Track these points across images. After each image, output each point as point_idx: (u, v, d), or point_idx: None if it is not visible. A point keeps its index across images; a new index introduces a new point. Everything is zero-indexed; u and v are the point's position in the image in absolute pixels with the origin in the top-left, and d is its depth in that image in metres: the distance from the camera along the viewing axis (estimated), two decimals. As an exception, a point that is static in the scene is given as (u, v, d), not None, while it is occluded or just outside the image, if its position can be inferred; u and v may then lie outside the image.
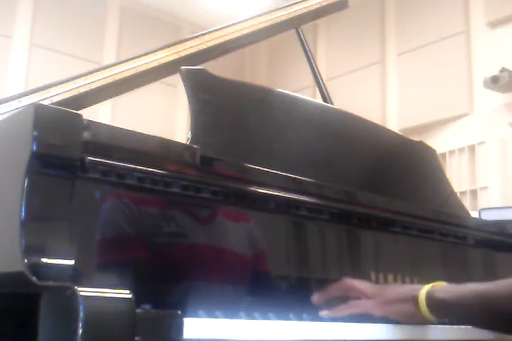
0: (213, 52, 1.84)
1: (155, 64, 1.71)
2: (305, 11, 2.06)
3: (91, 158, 0.88)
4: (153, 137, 0.99)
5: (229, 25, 1.86)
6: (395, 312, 1.08)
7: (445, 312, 1.08)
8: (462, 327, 1.24)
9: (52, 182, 0.84)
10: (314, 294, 1.09)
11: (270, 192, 1.11)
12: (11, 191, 0.85)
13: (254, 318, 0.93)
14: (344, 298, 1.10)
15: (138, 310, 0.79)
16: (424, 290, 1.07)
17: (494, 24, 4.67)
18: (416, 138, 1.88)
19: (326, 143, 1.47)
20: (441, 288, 1.09)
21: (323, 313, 1.06)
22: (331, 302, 1.10)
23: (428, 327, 1.18)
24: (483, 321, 1.09)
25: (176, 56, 1.73)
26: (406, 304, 1.07)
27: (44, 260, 0.80)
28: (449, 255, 1.47)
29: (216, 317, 0.89)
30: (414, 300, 1.07)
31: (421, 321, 1.10)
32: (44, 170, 0.84)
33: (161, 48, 1.74)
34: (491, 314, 1.05)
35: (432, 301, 1.06)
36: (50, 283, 0.78)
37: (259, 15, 1.93)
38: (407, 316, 1.08)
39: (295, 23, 2.05)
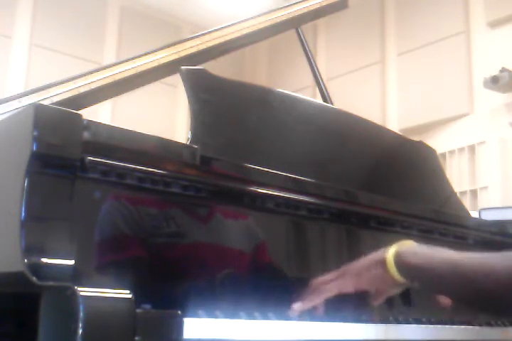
0: (213, 52, 1.84)
1: (155, 64, 1.71)
2: (305, 11, 2.06)
3: (91, 158, 0.88)
4: (153, 137, 0.99)
5: (229, 25, 1.86)
6: (366, 281, 1.02)
7: (414, 275, 1.01)
8: (462, 327, 1.24)
9: (52, 182, 0.84)
10: (292, 307, 1.02)
11: (270, 192, 1.11)
12: (11, 191, 0.85)
13: (254, 318, 0.93)
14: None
15: (138, 310, 0.79)
16: (391, 251, 1.01)
17: (494, 24, 4.67)
18: (416, 138, 1.88)
19: (325, 143, 1.47)
20: (410, 249, 1.02)
21: (296, 308, 1.00)
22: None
23: (428, 327, 1.18)
24: (455, 292, 1.01)
25: (175, 56, 1.73)
26: (375, 268, 1.01)
27: (44, 260, 0.80)
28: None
29: (216, 317, 0.89)
30: (383, 262, 1.01)
31: (393, 285, 1.03)
32: (44, 170, 0.84)
33: (161, 48, 1.74)
34: (464, 286, 0.97)
35: (400, 263, 0.99)
36: (50, 283, 0.78)
37: (259, 15, 1.93)
38: (379, 281, 1.01)
39: (295, 23, 2.05)
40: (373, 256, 1.04)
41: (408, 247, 1.02)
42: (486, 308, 1.03)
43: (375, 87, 5.42)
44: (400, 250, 1.01)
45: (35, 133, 0.83)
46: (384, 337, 1.08)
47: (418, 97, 5.00)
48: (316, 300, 1.02)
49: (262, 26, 1.92)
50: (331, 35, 5.93)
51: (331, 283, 1.03)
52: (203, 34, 1.81)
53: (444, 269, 0.98)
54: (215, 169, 1.06)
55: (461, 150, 4.62)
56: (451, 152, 4.65)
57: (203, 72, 1.32)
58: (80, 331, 0.73)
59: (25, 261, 0.78)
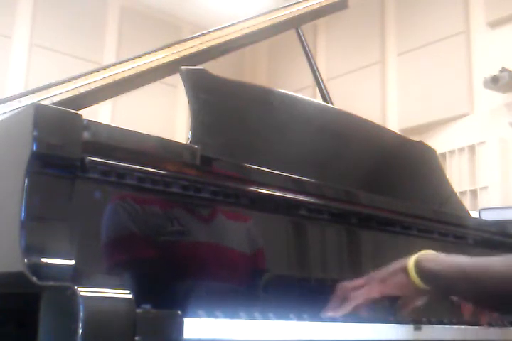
0: (213, 52, 1.84)
1: (155, 64, 1.71)
2: (305, 11, 2.06)
3: (91, 158, 0.88)
4: (153, 137, 0.99)
5: (229, 25, 1.86)
6: (390, 287, 1.10)
7: (433, 281, 1.09)
8: (462, 327, 1.24)
9: (52, 182, 0.84)
10: (320, 310, 1.09)
11: (270, 192, 1.11)
12: (11, 191, 0.85)
13: (254, 318, 0.93)
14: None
15: (138, 310, 0.79)
16: (412, 259, 1.10)
17: (494, 24, 4.67)
18: (416, 138, 1.88)
19: (325, 143, 1.47)
20: (429, 257, 1.11)
21: (329, 314, 1.07)
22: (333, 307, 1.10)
23: (428, 327, 1.18)
24: (469, 297, 1.12)
25: (176, 56, 1.73)
26: (398, 275, 1.09)
27: (44, 260, 0.80)
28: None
29: (216, 317, 0.89)
30: (405, 270, 1.09)
31: (416, 291, 1.10)
32: (44, 170, 0.84)
33: (161, 48, 1.74)
34: (472, 289, 1.07)
35: (420, 270, 1.08)
36: (50, 283, 0.78)
37: (259, 15, 1.93)
38: (402, 287, 1.09)
39: (295, 23, 2.05)
40: (396, 264, 1.12)
41: (428, 255, 1.11)
42: (500, 309, 1.14)
43: (375, 87, 5.42)
44: (420, 258, 1.09)
45: (35, 133, 0.83)
46: (384, 337, 1.08)
47: (418, 97, 5.00)
48: (346, 307, 1.08)
49: (262, 26, 1.92)
50: (331, 35, 5.93)
51: (358, 291, 1.10)
52: (203, 34, 1.81)
53: (458, 274, 1.07)
54: (215, 169, 1.06)
55: (461, 150, 4.62)
56: (451, 152, 4.65)
57: (203, 72, 1.32)
58: (80, 331, 0.73)
59: (25, 261, 0.78)
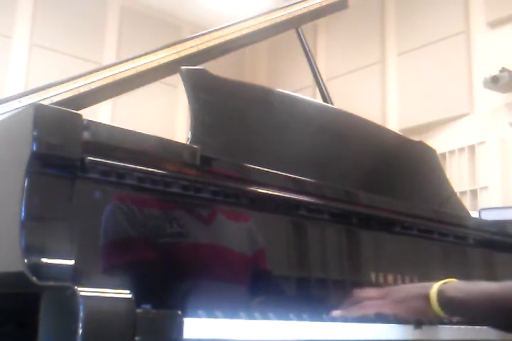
0: (213, 52, 1.84)
1: (155, 64, 1.71)
2: (305, 11, 2.06)
3: (91, 158, 0.88)
4: (153, 137, 0.99)
5: (229, 25, 1.86)
6: (407, 310, 1.10)
7: (456, 310, 1.10)
8: (462, 327, 1.24)
9: (52, 182, 0.84)
10: (329, 309, 1.10)
11: (270, 192, 1.11)
12: (11, 191, 0.85)
13: (254, 318, 0.93)
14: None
15: (138, 310, 0.79)
16: (435, 287, 1.09)
17: (494, 24, 4.67)
18: (416, 138, 1.88)
19: (325, 143, 1.47)
20: (452, 285, 1.10)
21: (336, 314, 1.07)
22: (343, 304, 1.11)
23: (428, 327, 1.17)
24: (494, 321, 1.11)
25: (176, 56, 1.73)
26: (418, 301, 1.10)
27: (44, 260, 0.80)
28: (449, 255, 1.47)
29: (216, 317, 0.89)
30: (426, 297, 1.09)
31: (433, 317, 1.11)
32: (44, 170, 0.84)
33: (161, 48, 1.74)
34: (502, 315, 1.07)
35: (443, 299, 1.07)
36: (50, 283, 0.78)
37: (259, 15, 1.93)
38: (419, 313, 1.10)
39: (295, 23, 2.05)
40: (417, 289, 1.12)
41: (450, 283, 1.11)
42: None
43: (375, 87, 5.42)
44: (442, 287, 1.09)
45: (35, 133, 0.83)
46: (384, 337, 1.08)
47: (418, 97, 5.00)
48: (353, 311, 1.09)
49: (262, 26, 1.92)
50: (331, 35, 5.93)
51: (372, 302, 1.11)
52: (203, 34, 1.81)
53: (485, 300, 1.08)
54: (215, 169, 1.06)
55: (461, 150, 4.62)
56: (451, 152, 4.65)
57: (203, 72, 1.32)
58: (80, 331, 0.73)
59: (25, 261, 0.78)
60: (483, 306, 1.07)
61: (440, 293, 1.08)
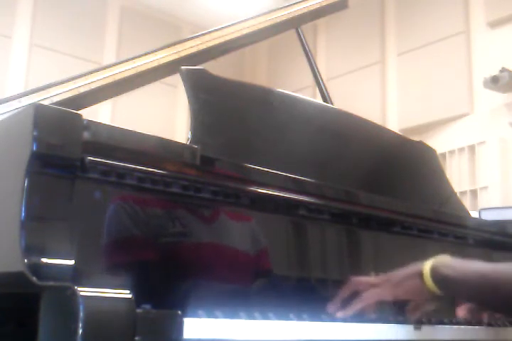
0: (213, 52, 1.84)
1: (155, 64, 1.71)
2: (305, 11, 2.06)
3: (91, 158, 0.88)
4: (153, 137, 0.99)
5: (229, 25, 1.86)
6: (404, 291, 1.10)
7: (449, 287, 1.09)
8: (462, 327, 1.24)
9: (52, 182, 0.84)
10: (328, 301, 1.10)
11: (270, 192, 1.11)
12: (11, 191, 0.85)
13: (254, 318, 0.93)
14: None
15: (138, 310, 0.79)
16: (428, 264, 1.09)
17: (494, 24, 4.67)
18: (416, 138, 1.88)
19: (325, 143, 1.47)
20: (445, 263, 1.10)
21: (338, 314, 1.07)
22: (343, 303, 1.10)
23: (428, 327, 1.18)
24: (485, 301, 1.12)
25: (176, 56, 1.73)
26: (413, 280, 1.10)
27: (44, 260, 0.80)
28: (449, 255, 1.47)
29: (216, 317, 0.89)
30: (420, 274, 1.09)
31: (429, 296, 1.10)
32: (44, 170, 0.84)
33: (161, 48, 1.74)
34: (492, 295, 1.07)
35: (437, 275, 1.08)
36: (50, 283, 0.78)
37: (259, 15, 1.93)
38: (417, 292, 1.10)
39: (295, 23, 2.05)
40: (411, 268, 1.12)
41: (444, 260, 1.11)
42: None
43: (375, 87, 5.42)
44: (436, 264, 1.09)
45: (35, 133, 0.83)
46: (384, 337, 1.08)
47: (418, 97, 5.00)
48: (355, 306, 1.08)
49: (262, 26, 1.92)
50: (331, 35, 5.93)
51: (370, 291, 1.10)
52: (203, 34, 1.81)
53: (476, 279, 1.08)
54: (215, 169, 1.06)
55: (461, 150, 4.62)
56: (451, 152, 4.65)
57: (203, 72, 1.32)
58: (80, 331, 0.73)
59: (25, 261, 0.78)
60: (475, 285, 1.07)
61: (433, 270, 1.08)
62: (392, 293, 1.10)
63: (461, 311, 1.26)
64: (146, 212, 0.95)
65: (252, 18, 1.92)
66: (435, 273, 1.08)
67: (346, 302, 1.09)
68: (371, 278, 1.14)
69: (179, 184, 0.98)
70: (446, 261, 1.11)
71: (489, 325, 1.30)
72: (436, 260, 1.11)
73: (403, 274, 1.12)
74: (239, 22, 1.88)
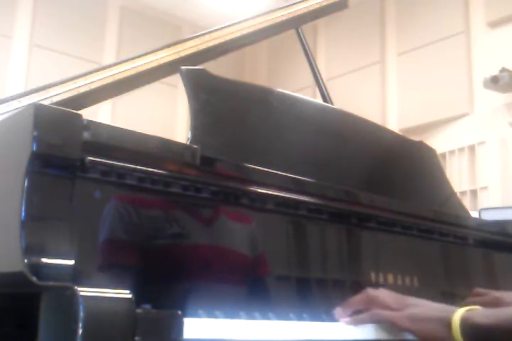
0: (213, 52, 1.84)
1: (155, 64, 1.71)
2: (305, 11, 2.06)
3: (91, 158, 0.88)
4: (153, 137, 0.99)
5: (229, 25, 1.86)
6: (423, 331, 1.02)
7: (480, 337, 1.00)
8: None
9: (52, 182, 0.84)
10: (336, 308, 1.06)
11: (270, 192, 1.11)
12: (10, 191, 0.85)
13: (254, 318, 0.93)
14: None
15: (138, 310, 0.79)
16: (459, 313, 1.01)
17: (494, 24, 4.68)
18: (416, 138, 1.88)
19: (325, 143, 1.47)
20: (479, 312, 1.02)
21: (344, 320, 1.03)
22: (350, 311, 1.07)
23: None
24: None
25: (176, 56, 1.73)
26: (437, 325, 1.01)
27: (44, 260, 0.80)
28: (449, 255, 1.47)
29: (216, 317, 0.89)
30: (447, 322, 1.00)
31: None
32: (44, 170, 0.84)
33: (161, 48, 1.74)
34: None
35: (468, 326, 0.99)
36: (50, 283, 0.78)
37: (259, 15, 1.93)
38: (437, 338, 1.01)
39: (295, 23, 2.05)
40: (438, 312, 1.03)
41: (476, 311, 1.03)
42: None
43: (375, 87, 5.43)
44: (467, 314, 1.01)
45: (35, 133, 0.83)
46: (384, 337, 1.08)
47: (418, 97, 5.00)
48: (364, 320, 1.03)
49: (262, 26, 1.92)
50: (331, 35, 5.94)
51: (385, 313, 1.04)
52: (203, 34, 1.81)
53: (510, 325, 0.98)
54: (215, 169, 1.06)
55: (461, 150, 4.62)
56: (451, 152, 4.65)
57: (203, 72, 1.32)
58: (80, 331, 0.73)
59: (25, 261, 0.78)
60: (509, 332, 0.98)
61: (464, 320, 0.99)
62: (406, 326, 1.02)
63: None
64: (146, 212, 0.95)
65: (252, 18, 1.92)
66: (466, 322, 0.99)
67: (353, 311, 1.05)
68: (388, 297, 1.06)
69: (179, 184, 0.98)
70: (478, 311, 1.03)
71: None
72: (468, 310, 1.02)
73: (427, 313, 1.03)
74: (239, 22, 1.88)
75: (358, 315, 1.04)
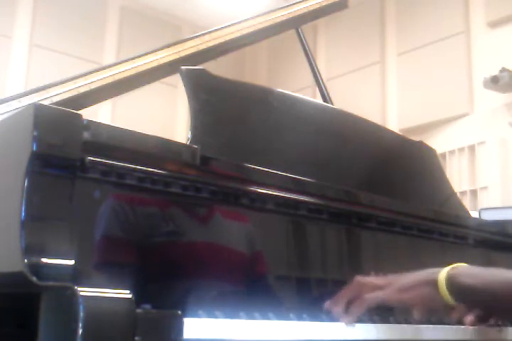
0: (213, 52, 1.84)
1: (155, 64, 1.71)
2: (305, 11, 2.06)
3: (91, 158, 0.88)
4: (153, 137, 0.99)
5: (229, 25, 1.86)
6: (413, 297, 1.03)
7: (466, 297, 1.02)
8: (462, 327, 1.24)
9: (52, 182, 0.84)
10: (328, 300, 1.05)
11: (270, 192, 1.11)
12: (10, 191, 0.85)
13: (254, 318, 0.93)
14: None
15: (138, 310, 0.79)
16: (444, 272, 1.02)
17: (494, 24, 4.67)
18: (416, 138, 1.88)
19: (325, 143, 1.47)
20: (463, 270, 1.03)
21: (337, 314, 1.02)
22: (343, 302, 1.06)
23: (428, 327, 1.18)
24: (507, 310, 1.04)
25: (176, 56, 1.73)
26: (425, 288, 1.02)
27: (44, 260, 0.80)
28: (449, 255, 1.47)
29: (216, 317, 0.89)
30: (434, 283, 1.02)
31: (441, 305, 1.04)
32: (44, 170, 0.84)
33: (161, 48, 1.74)
34: None
35: (453, 285, 1.01)
36: (50, 283, 0.78)
37: (259, 15, 1.94)
38: (426, 300, 1.02)
39: (295, 23, 2.05)
40: (423, 275, 1.05)
41: (461, 269, 1.04)
42: None
43: (375, 87, 5.42)
44: (452, 272, 1.02)
45: (35, 133, 0.83)
46: (384, 337, 1.08)
47: (418, 97, 5.00)
48: (359, 308, 1.03)
49: (262, 26, 1.92)
50: (331, 35, 5.93)
51: (375, 293, 1.04)
52: (203, 34, 1.81)
53: (498, 288, 1.00)
54: (215, 169, 1.06)
55: (461, 150, 4.62)
56: (451, 152, 4.65)
57: (203, 72, 1.32)
58: (80, 331, 0.73)
59: (25, 261, 0.78)
60: (497, 294, 0.99)
61: (450, 279, 1.01)
62: (398, 298, 1.03)
63: (469, 318, 1.17)
64: (146, 212, 0.95)
65: (252, 18, 1.92)
66: (451, 281, 1.00)
67: (347, 302, 1.04)
68: (376, 279, 1.07)
69: (179, 184, 0.98)
70: (463, 269, 1.04)
71: (489, 325, 1.30)
72: (453, 268, 1.03)
73: (414, 280, 1.04)
74: (239, 22, 1.88)
75: (351, 307, 1.03)
